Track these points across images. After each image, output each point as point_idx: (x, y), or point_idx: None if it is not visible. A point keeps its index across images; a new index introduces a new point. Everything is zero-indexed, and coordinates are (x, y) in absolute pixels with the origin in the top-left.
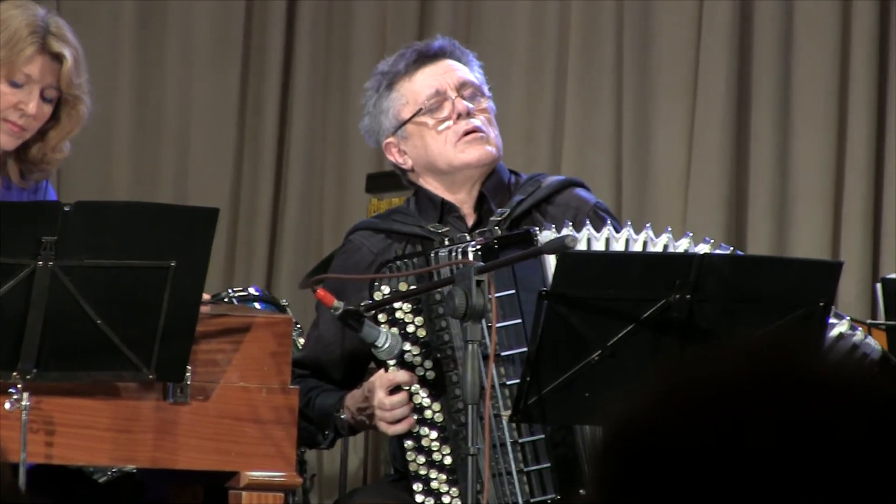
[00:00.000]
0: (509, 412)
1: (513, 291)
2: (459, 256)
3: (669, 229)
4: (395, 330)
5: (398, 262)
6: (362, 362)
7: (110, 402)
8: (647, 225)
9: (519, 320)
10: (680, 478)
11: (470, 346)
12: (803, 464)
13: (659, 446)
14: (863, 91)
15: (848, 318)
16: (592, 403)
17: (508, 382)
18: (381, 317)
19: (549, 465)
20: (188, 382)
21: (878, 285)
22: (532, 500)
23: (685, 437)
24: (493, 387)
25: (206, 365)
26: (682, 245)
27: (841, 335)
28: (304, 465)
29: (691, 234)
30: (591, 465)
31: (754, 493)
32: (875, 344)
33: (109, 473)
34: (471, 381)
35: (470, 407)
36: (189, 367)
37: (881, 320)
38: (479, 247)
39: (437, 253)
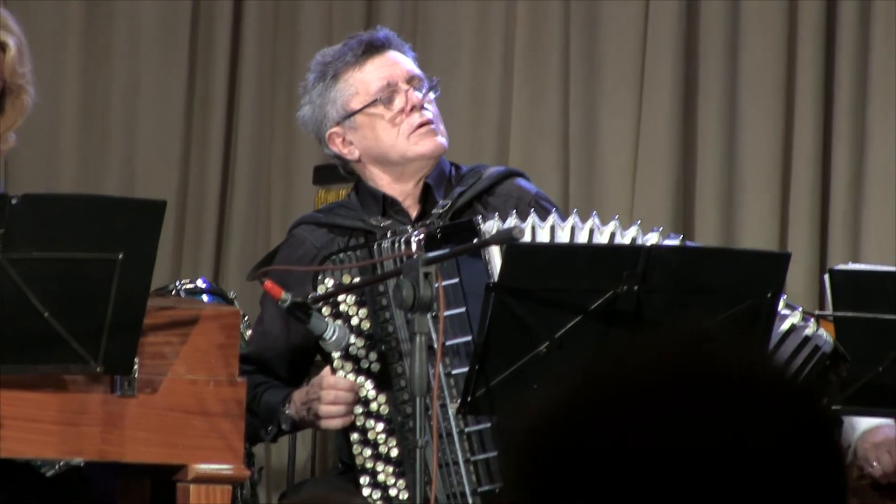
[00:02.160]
0: (457, 403)
1: (456, 280)
2: (402, 247)
3: (617, 217)
4: (340, 322)
5: (341, 255)
6: (308, 357)
7: (57, 394)
8: (594, 213)
9: (463, 309)
10: (588, 476)
11: (417, 338)
12: (710, 466)
13: (569, 444)
14: (810, 81)
15: (800, 308)
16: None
17: (454, 372)
18: (325, 310)
19: (495, 453)
20: (136, 375)
21: (826, 276)
22: (479, 490)
23: (595, 435)
24: (440, 379)
25: (153, 357)
26: (631, 233)
27: (793, 326)
28: (252, 458)
29: (640, 222)
30: (505, 463)
31: (660, 493)
32: (827, 336)
33: (57, 467)
34: (418, 374)
35: (417, 399)
36: (137, 360)
37: (829, 311)
38: (422, 237)
39: (380, 244)
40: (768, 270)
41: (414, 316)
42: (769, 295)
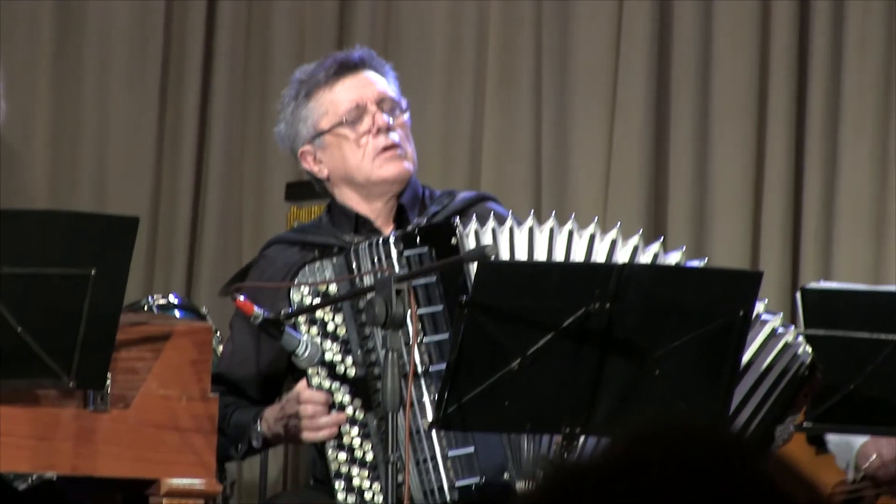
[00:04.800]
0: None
1: (440, 308)
2: (381, 250)
3: (596, 219)
4: (314, 330)
5: (318, 263)
6: (279, 378)
7: (30, 409)
8: (573, 215)
9: (446, 335)
10: None
11: (390, 355)
12: None
13: None
14: (782, 102)
15: (780, 314)
16: (512, 411)
17: (432, 370)
18: (301, 318)
19: (472, 449)
20: (108, 390)
21: (798, 295)
22: (458, 484)
23: None
24: (412, 403)
25: (126, 373)
26: (610, 236)
27: (774, 331)
28: (224, 473)
29: (620, 223)
30: None
31: None
32: (805, 346)
33: (29, 481)
34: (391, 390)
35: (390, 415)
36: (109, 375)
37: (801, 330)
38: (399, 237)
39: (356, 248)
40: (740, 289)
41: (387, 332)
42: (741, 314)
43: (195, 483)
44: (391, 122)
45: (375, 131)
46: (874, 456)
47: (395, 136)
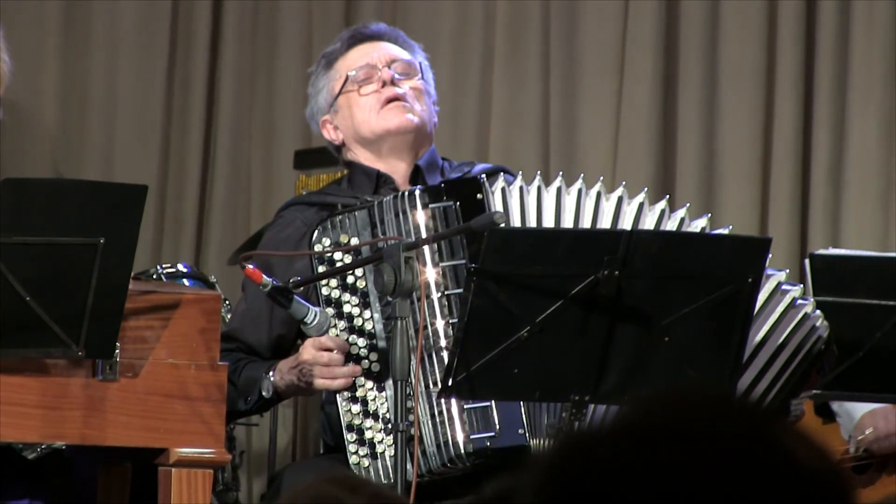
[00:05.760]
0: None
1: (463, 261)
2: (406, 202)
3: (602, 178)
4: (334, 283)
5: (339, 217)
6: (290, 340)
7: (39, 378)
8: (581, 175)
9: (463, 261)
10: None
11: (399, 323)
12: None
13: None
14: (790, 70)
15: (800, 286)
16: (521, 379)
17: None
18: (322, 269)
19: (489, 402)
20: (117, 359)
21: (807, 261)
22: (473, 436)
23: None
24: (422, 359)
25: (134, 342)
26: (616, 194)
27: (794, 301)
28: (234, 442)
29: (625, 183)
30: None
31: None
32: (823, 319)
33: (38, 450)
34: (400, 359)
35: (399, 383)
36: (118, 344)
37: (810, 296)
38: (424, 189)
39: (381, 202)
40: (749, 256)
41: (395, 301)
42: (750, 280)
43: (204, 452)
44: (399, 77)
45: (381, 85)
46: (870, 429)
47: (399, 90)
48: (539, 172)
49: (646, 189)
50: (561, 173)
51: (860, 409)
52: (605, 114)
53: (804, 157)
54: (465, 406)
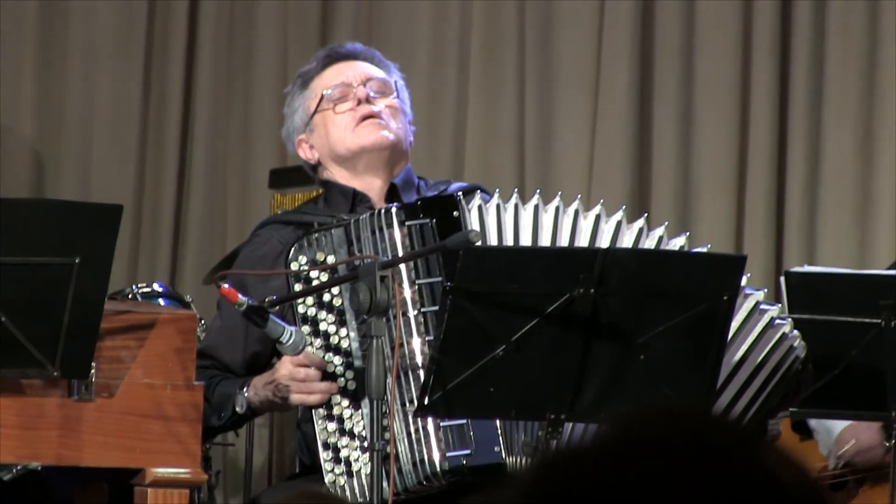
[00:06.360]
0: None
1: (439, 279)
2: (382, 220)
3: (579, 196)
4: (310, 301)
5: (316, 235)
6: (265, 356)
7: (15, 399)
8: (558, 193)
9: (439, 278)
10: None
11: (374, 342)
12: None
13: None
14: (765, 83)
15: (778, 305)
16: (497, 397)
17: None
18: (298, 287)
19: (464, 420)
20: (93, 379)
21: (782, 279)
22: (449, 454)
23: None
24: (398, 377)
25: (110, 362)
26: (594, 212)
27: (772, 320)
28: (210, 462)
29: (603, 200)
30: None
31: None
32: (801, 339)
33: (14, 471)
34: (375, 377)
35: (375, 402)
36: (94, 364)
37: (785, 314)
38: (401, 207)
39: (357, 220)
40: (724, 274)
41: (371, 319)
42: (725, 298)
43: (180, 472)
44: (374, 95)
45: (356, 103)
46: (852, 442)
47: (374, 107)
48: (516, 190)
49: (623, 207)
50: (538, 191)
51: (839, 423)
52: (580, 128)
53: (780, 172)
54: (442, 424)
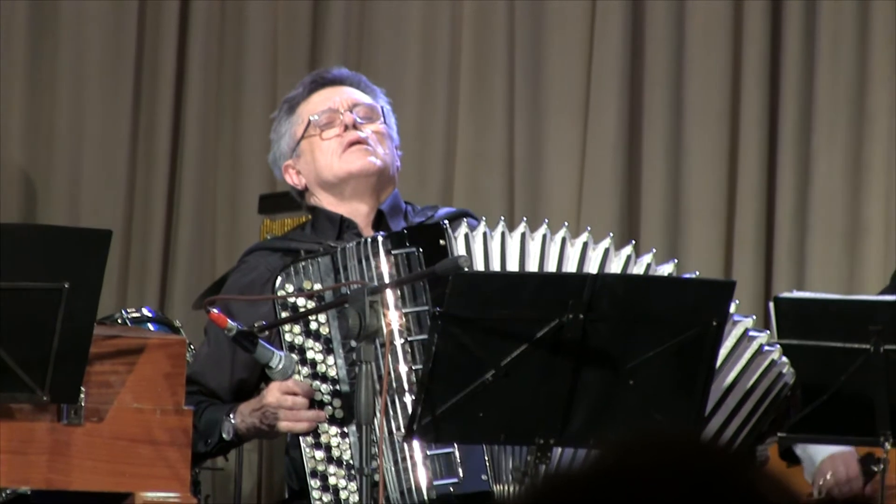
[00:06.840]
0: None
1: (426, 308)
2: (369, 249)
3: (567, 224)
4: (297, 329)
5: (303, 263)
6: (252, 383)
7: (4, 423)
8: (545, 221)
9: (426, 307)
10: None
11: (363, 367)
12: None
13: None
14: (754, 110)
15: (767, 332)
16: (486, 422)
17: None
18: (284, 314)
19: (452, 448)
20: (82, 404)
21: (771, 304)
22: (436, 483)
23: None
24: (386, 406)
25: (99, 386)
26: (581, 239)
27: (761, 347)
28: (199, 486)
29: (590, 228)
30: None
31: None
32: (789, 366)
33: (3, 495)
34: (365, 402)
35: (364, 427)
36: (83, 389)
37: (774, 339)
38: (388, 236)
39: (343, 248)
40: (713, 299)
41: (360, 344)
42: (714, 324)
43: (170, 497)
44: (361, 121)
45: (343, 129)
46: (829, 475)
47: (361, 133)
48: (503, 218)
49: (611, 234)
50: (525, 219)
51: (822, 452)
52: (570, 154)
53: (769, 199)
54: (429, 452)
